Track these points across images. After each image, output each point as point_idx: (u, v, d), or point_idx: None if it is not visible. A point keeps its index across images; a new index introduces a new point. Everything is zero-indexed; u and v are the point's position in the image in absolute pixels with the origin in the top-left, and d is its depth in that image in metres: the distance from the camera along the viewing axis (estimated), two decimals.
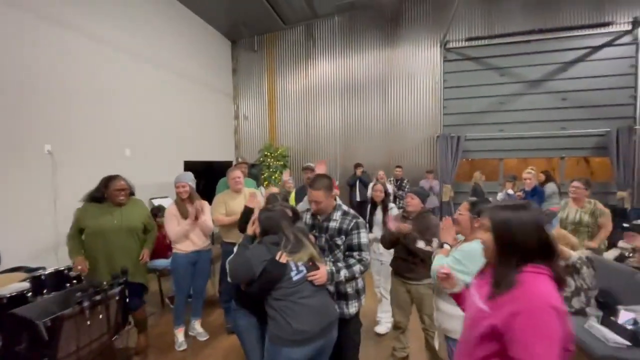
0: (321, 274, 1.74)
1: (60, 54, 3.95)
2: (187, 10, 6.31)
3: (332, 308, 1.80)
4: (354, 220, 1.91)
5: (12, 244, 3.20)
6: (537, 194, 4.06)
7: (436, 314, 2.04)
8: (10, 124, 3.45)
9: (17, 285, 2.55)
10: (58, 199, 3.92)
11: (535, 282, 1.02)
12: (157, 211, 3.98)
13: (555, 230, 2.72)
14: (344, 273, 1.84)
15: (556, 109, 6.34)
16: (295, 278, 1.68)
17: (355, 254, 1.89)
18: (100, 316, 2.03)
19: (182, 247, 2.95)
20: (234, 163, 7.07)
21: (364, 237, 1.90)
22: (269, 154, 7.29)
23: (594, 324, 2.21)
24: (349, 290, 1.95)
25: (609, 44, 6.10)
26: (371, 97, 7.28)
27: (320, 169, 2.86)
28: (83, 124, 4.24)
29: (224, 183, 3.79)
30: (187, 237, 2.95)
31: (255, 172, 6.76)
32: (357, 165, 6.35)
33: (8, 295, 2.42)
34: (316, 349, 1.65)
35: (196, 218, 2.90)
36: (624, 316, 2.18)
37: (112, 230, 2.58)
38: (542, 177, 4.95)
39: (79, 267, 2.52)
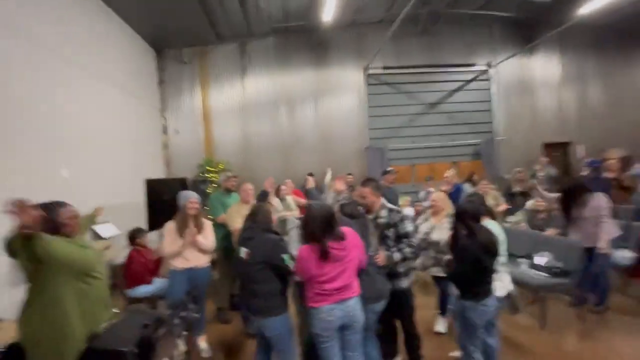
0: (381, 256, 2.33)
1: None
2: (103, 6, 5.53)
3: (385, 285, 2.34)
4: (399, 215, 2.51)
5: None
6: (458, 190, 5.40)
7: None
8: None
9: None
10: None
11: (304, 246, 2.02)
12: (137, 233, 3.63)
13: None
14: (397, 255, 2.42)
15: (447, 125, 8.33)
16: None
17: (404, 240, 2.47)
18: (185, 332, 2.02)
19: (177, 264, 2.96)
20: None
21: (409, 226, 2.51)
22: (210, 169, 7.09)
23: (525, 268, 3.38)
24: (401, 270, 2.52)
25: (474, 79, 8.43)
26: (306, 112, 7.97)
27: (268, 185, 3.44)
28: (11, 137, 3.45)
29: (216, 197, 3.81)
30: (180, 254, 2.94)
31: (203, 189, 6.55)
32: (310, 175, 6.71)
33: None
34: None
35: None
36: (539, 260, 3.41)
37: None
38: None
39: None
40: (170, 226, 3.00)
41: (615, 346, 2.89)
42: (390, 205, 2.59)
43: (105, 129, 5.13)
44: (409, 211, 6.48)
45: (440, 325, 3.23)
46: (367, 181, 2.60)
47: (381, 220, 2.50)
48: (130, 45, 6.45)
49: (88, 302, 1.92)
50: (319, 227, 1.97)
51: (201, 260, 3.00)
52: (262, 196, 2.79)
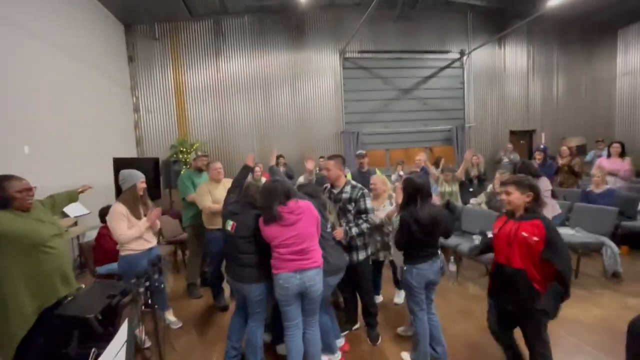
0: (339, 231, 2.53)
1: None
2: None
3: (341, 260, 2.52)
4: (360, 191, 2.67)
5: None
6: (425, 173, 5.68)
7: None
8: None
9: None
10: None
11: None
12: (108, 211, 3.60)
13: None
14: (354, 230, 2.59)
15: (420, 111, 8.54)
16: (328, 230, 2.44)
17: (363, 216, 2.64)
18: (150, 301, 2.11)
19: (136, 247, 2.71)
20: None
21: (369, 203, 2.67)
22: (184, 149, 7.00)
23: (477, 243, 3.67)
24: (359, 243, 2.71)
25: (448, 66, 8.64)
26: (282, 94, 7.94)
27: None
28: None
29: (187, 176, 3.83)
30: (141, 236, 2.74)
31: (177, 169, 6.48)
32: (278, 157, 6.82)
33: None
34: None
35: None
36: (489, 235, 3.70)
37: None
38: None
39: None
40: (121, 209, 2.67)
41: None
42: (354, 183, 2.76)
43: (70, 105, 4.95)
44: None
45: (399, 297, 3.48)
46: (332, 156, 2.76)
47: (344, 195, 2.68)
48: (96, 19, 6.15)
49: (39, 275, 2.00)
50: (268, 197, 2.16)
51: (155, 241, 2.94)
52: (247, 170, 2.84)
